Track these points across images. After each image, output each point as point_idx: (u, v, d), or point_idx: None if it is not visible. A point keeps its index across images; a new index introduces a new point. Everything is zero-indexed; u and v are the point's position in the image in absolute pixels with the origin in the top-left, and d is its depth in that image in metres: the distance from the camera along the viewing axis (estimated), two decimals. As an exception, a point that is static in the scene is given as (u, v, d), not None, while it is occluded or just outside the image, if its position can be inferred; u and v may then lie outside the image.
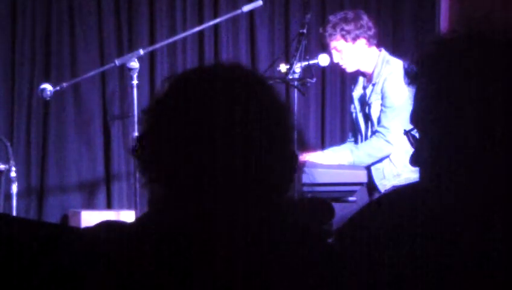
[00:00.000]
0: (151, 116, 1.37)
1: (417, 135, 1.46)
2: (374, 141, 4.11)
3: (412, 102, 1.44)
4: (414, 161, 1.44)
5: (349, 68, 4.21)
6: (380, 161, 4.14)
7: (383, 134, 4.07)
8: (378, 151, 4.10)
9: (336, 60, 4.17)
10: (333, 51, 4.17)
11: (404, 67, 1.48)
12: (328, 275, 1.34)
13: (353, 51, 4.15)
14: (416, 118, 1.44)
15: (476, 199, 1.36)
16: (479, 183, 1.35)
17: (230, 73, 1.38)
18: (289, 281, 1.33)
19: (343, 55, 4.16)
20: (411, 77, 1.43)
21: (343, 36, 4.13)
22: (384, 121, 4.09)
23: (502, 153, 1.34)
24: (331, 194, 3.78)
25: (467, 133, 1.35)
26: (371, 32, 4.17)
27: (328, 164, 4.03)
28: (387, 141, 4.06)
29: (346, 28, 4.12)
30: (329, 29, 4.16)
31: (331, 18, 4.22)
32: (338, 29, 4.13)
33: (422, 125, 1.42)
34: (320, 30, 4.25)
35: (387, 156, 4.11)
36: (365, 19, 4.18)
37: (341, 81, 5.74)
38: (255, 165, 1.31)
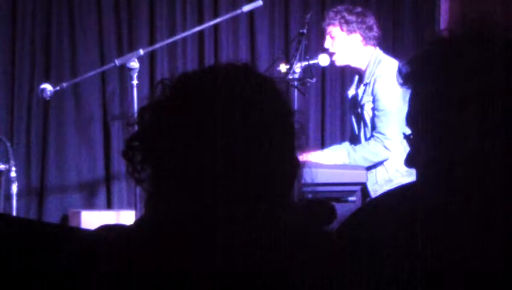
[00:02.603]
0: (149, 117, 1.36)
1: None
2: (371, 145, 4.09)
3: (408, 103, 1.43)
4: (411, 162, 1.43)
5: (338, 59, 4.16)
6: (375, 166, 4.13)
7: (381, 140, 4.05)
8: (375, 156, 4.09)
9: (326, 46, 4.14)
10: (327, 37, 4.16)
11: (398, 67, 1.47)
12: (327, 277, 1.34)
13: (345, 43, 4.13)
14: (412, 119, 1.43)
15: (476, 199, 1.36)
16: (478, 183, 1.35)
17: (231, 74, 1.37)
18: (289, 282, 1.33)
19: (335, 43, 4.14)
20: (405, 77, 1.42)
21: (340, 24, 4.12)
22: (380, 127, 4.07)
23: (501, 152, 1.34)
24: (331, 194, 3.77)
25: (467, 133, 1.35)
26: (370, 33, 4.14)
27: (327, 164, 4.03)
28: (385, 146, 4.05)
29: (347, 17, 4.11)
30: (331, 13, 4.17)
31: (339, 6, 4.24)
32: (338, 16, 4.13)
33: (419, 127, 1.42)
34: (324, 12, 4.26)
35: (383, 162, 4.11)
36: (370, 19, 4.15)
37: (341, 81, 5.73)
38: (255, 166, 1.31)
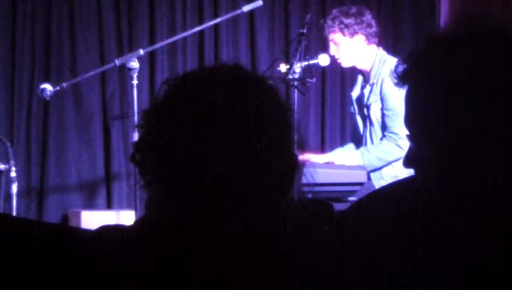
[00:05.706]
0: (151, 119, 1.37)
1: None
2: (385, 144, 4.09)
3: (405, 102, 1.42)
4: (409, 162, 1.43)
5: (345, 63, 4.18)
6: (389, 164, 4.12)
7: (394, 139, 4.04)
8: (389, 155, 4.08)
9: (332, 53, 4.14)
10: (331, 44, 4.16)
11: (394, 66, 1.46)
12: (328, 277, 1.35)
13: (350, 46, 4.13)
14: (412, 119, 1.43)
15: (475, 198, 1.36)
16: (477, 183, 1.35)
17: (230, 74, 1.38)
18: (289, 281, 1.33)
19: (340, 48, 4.14)
20: (401, 76, 1.42)
21: (341, 29, 4.12)
22: (391, 126, 4.06)
23: (500, 151, 1.34)
24: (331, 194, 3.77)
25: (468, 134, 1.35)
26: (371, 30, 4.15)
27: (327, 164, 4.02)
28: (398, 145, 4.04)
29: (346, 21, 4.11)
30: (328, 21, 4.15)
31: (334, 11, 4.23)
32: (337, 22, 4.12)
33: (418, 127, 1.41)
34: (321, 21, 4.25)
35: (397, 160, 4.09)
36: (367, 16, 4.16)
37: (341, 81, 5.74)
38: (255, 166, 1.31)
